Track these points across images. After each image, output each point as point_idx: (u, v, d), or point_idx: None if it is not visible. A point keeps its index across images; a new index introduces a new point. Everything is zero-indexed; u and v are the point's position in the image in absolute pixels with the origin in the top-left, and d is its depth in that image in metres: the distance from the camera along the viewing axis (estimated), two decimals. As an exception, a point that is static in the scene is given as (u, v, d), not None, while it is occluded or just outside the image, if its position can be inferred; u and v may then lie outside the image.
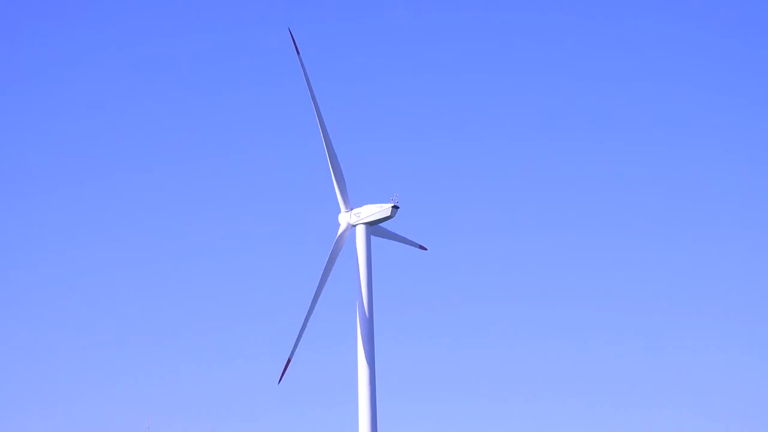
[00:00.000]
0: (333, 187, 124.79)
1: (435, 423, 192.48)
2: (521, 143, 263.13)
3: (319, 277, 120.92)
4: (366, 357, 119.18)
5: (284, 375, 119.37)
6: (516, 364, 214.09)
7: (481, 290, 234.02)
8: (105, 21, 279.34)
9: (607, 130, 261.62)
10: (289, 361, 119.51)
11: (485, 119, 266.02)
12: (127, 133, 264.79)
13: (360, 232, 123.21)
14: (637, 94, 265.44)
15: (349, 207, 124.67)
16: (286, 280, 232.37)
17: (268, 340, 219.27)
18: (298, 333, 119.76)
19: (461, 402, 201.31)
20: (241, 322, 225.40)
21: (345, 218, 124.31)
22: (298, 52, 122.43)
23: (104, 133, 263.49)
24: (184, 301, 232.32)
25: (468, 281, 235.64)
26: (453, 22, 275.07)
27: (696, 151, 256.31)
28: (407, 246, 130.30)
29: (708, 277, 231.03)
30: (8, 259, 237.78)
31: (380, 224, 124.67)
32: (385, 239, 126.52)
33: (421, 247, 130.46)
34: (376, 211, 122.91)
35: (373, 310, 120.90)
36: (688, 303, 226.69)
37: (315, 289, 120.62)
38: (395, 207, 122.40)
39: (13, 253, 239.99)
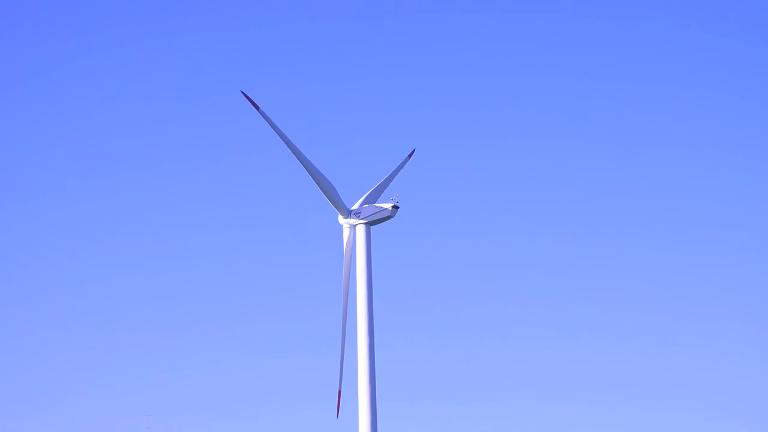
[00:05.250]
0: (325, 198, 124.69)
1: (435, 423, 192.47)
2: (521, 143, 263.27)
3: (342, 288, 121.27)
4: (366, 357, 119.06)
5: (339, 406, 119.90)
6: (517, 363, 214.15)
7: (482, 290, 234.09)
8: (105, 21, 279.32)
9: (607, 130, 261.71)
10: (339, 392, 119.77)
11: (485, 119, 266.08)
12: (127, 133, 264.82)
13: (360, 232, 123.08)
14: (637, 94, 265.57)
15: (347, 211, 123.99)
16: (286, 280, 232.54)
17: (269, 340, 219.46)
18: (339, 360, 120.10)
19: (462, 402, 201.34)
20: (241, 322, 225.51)
21: (346, 221, 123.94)
22: (257, 108, 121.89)
23: (104, 133, 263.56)
24: (184, 301, 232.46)
25: (468, 281, 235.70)
26: (452, 21, 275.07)
27: (696, 152, 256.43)
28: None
29: (708, 277, 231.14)
30: (8, 259, 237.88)
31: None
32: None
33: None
34: (376, 211, 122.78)
35: (373, 310, 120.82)
36: (688, 303, 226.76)
37: (341, 302, 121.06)
38: (395, 207, 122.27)
39: (13, 253, 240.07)
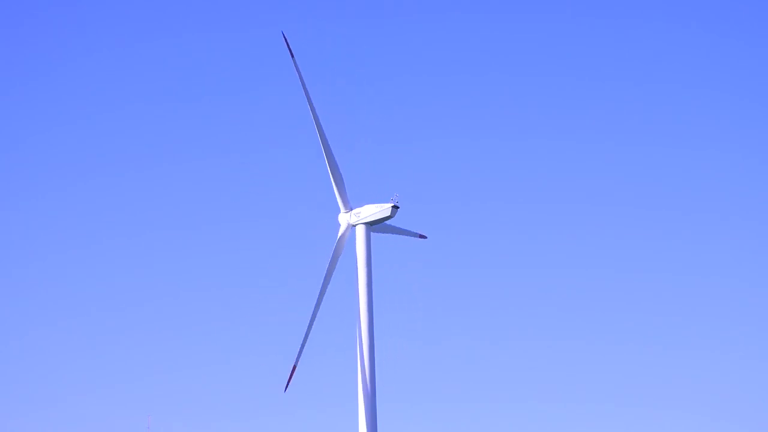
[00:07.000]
0: (332, 188, 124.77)
1: (435, 423, 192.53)
2: (521, 143, 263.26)
3: (322, 281, 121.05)
4: (366, 357, 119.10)
5: (290, 382, 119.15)
6: (517, 363, 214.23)
7: (482, 290, 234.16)
8: (105, 21, 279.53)
9: (607, 130, 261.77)
10: (294, 368, 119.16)
11: (485, 119, 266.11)
12: (125, 134, 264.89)
13: (360, 232, 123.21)
14: (638, 94, 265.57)
15: (349, 207, 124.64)
16: (287, 281, 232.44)
17: (268, 341, 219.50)
18: (302, 339, 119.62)
19: (461, 402, 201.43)
20: (241, 323, 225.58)
21: (345, 218, 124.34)
22: (292, 56, 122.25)
23: (105, 133, 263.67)
24: (184, 301, 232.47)
25: (468, 281, 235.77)
26: (452, 21, 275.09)
27: (696, 152, 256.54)
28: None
29: (708, 277, 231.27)
30: (8, 259, 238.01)
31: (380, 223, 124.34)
32: (385, 234, 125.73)
33: (421, 236, 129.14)
34: (376, 211, 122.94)
35: (373, 310, 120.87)
36: (688, 303, 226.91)
37: (318, 292, 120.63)
38: (395, 207, 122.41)
39: (13, 253, 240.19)
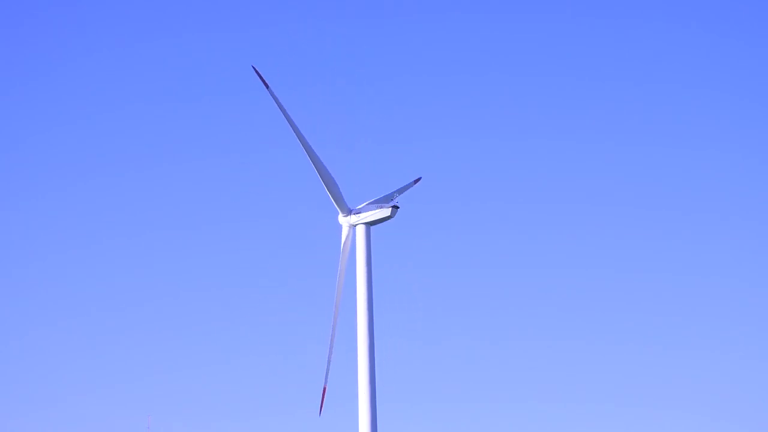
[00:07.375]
0: (327, 194, 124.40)
1: (435, 423, 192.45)
2: (521, 143, 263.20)
3: (335, 290, 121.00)
4: (366, 357, 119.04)
5: (323, 404, 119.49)
6: (518, 364, 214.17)
7: (482, 290, 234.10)
8: (105, 21, 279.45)
9: (607, 130, 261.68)
10: (325, 389, 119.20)
11: (485, 119, 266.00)
12: (125, 134, 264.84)
13: (360, 232, 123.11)
14: (638, 94, 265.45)
15: (348, 210, 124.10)
16: (287, 280, 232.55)
17: (268, 341, 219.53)
18: (327, 358, 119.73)
19: (462, 402, 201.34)
20: (242, 322, 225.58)
21: (345, 221, 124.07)
22: (267, 86, 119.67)
23: (105, 133, 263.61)
24: (184, 302, 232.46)
25: (468, 281, 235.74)
26: (452, 21, 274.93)
27: (696, 152, 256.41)
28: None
29: (708, 277, 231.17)
30: (8, 259, 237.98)
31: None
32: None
33: (416, 181, 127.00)
34: (376, 211, 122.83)
35: (373, 310, 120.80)
36: (688, 303, 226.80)
37: (333, 304, 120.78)
38: (395, 207, 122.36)
39: (14, 253, 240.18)
